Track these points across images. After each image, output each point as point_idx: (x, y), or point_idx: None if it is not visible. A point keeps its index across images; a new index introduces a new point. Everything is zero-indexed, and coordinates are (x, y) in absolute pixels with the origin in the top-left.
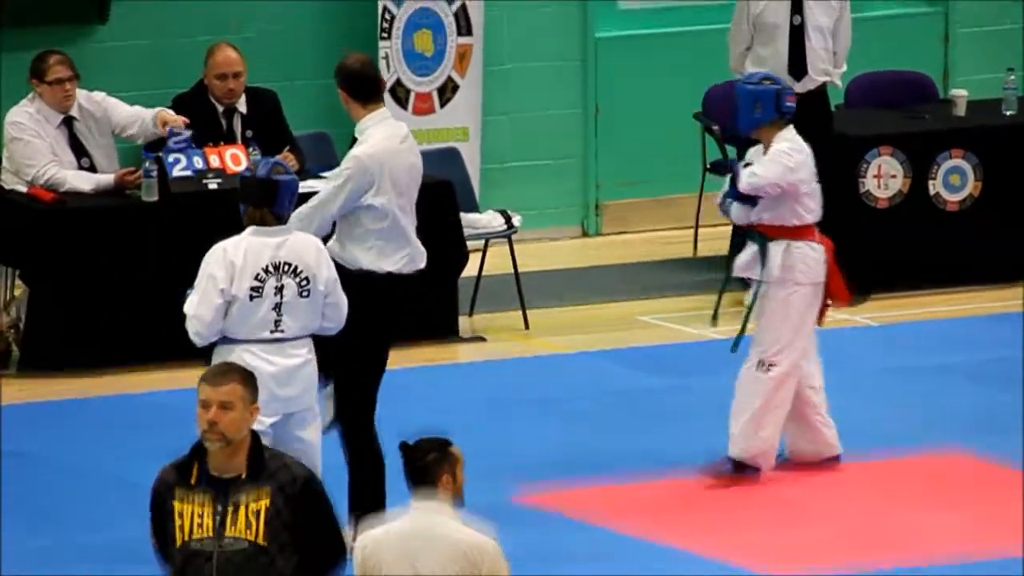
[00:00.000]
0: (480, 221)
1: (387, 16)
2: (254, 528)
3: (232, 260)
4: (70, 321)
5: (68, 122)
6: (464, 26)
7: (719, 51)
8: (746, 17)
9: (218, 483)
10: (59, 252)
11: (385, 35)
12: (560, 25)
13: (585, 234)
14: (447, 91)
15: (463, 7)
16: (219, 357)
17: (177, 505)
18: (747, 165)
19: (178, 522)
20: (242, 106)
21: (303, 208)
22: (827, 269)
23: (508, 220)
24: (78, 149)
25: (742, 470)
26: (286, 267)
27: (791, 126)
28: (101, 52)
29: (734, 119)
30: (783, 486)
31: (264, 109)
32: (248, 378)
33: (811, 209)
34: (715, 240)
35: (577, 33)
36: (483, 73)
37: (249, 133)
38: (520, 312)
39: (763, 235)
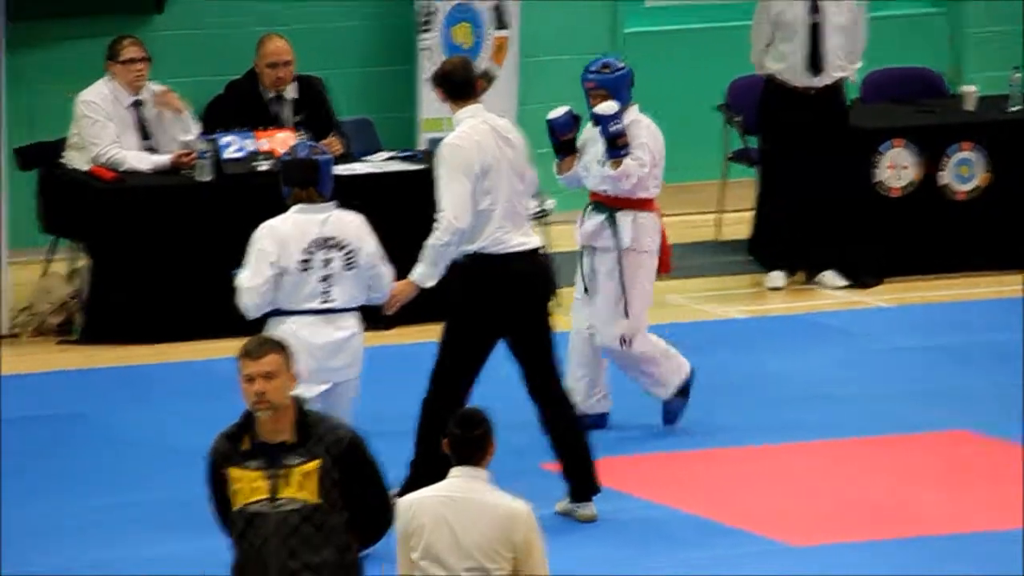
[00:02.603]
0: None
1: (429, 10)
2: (306, 488)
3: (282, 236)
4: (129, 293)
5: (137, 104)
6: (501, 20)
7: (741, 47)
8: (767, 16)
9: (269, 449)
10: (119, 228)
11: (426, 27)
12: (591, 20)
13: None
14: (485, 82)
15: (500, 2)
16: (271, 329)
17: (232, 472)
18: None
19: (234, 487)
20: (291, 93)
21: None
22: (661, 240)
23: (541, 203)
24: (143, 131)
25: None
26: (331, 241)
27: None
28: (158, 40)
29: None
30: (793, 459)
31: (311, 96)
32: (283, 347)
33: (657, 183)
34: (737, 224)
35: (606, 28)
36: (519, 64)
37: (297, 118)
38: None
39: (610, 207)
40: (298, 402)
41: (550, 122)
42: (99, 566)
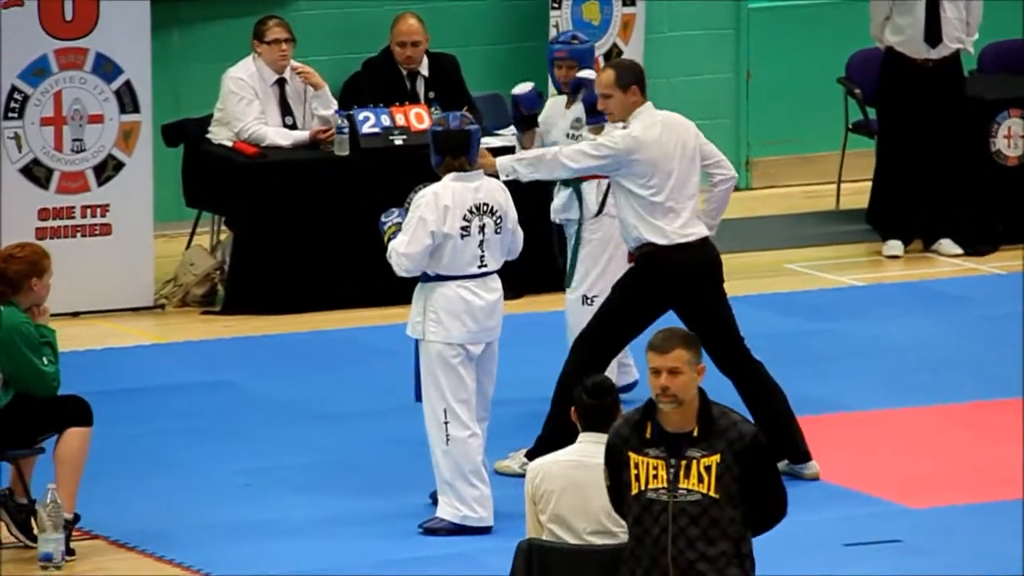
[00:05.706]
0: None
1: None
2: (706, 482)
3: (444, 204)
4: (269, 264)
5: (280, 83)
6: None
7: (861, 20)
8: None
9: (671, 439)
10: (260, 201)
11: (556, 5)
12: None
13: (736, 188)
14: (612, 57)
15: None
16: (429, 293)
17: (633, 457)
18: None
19: (634, 472)
20: (424, 69)
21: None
22: None
23: None
24: (285, 108)
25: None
26: (485, 207)
27: None
28: (297, 20)
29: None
30: (910, 423)
31: (444, 72)
32: (690, 341)
33: None
34: (856, 195)
35: (731, 3)
36: (644, 40)
37: (431, 94)
38: None
39: (575, 180)
40: (702, 395)
41: (516, 96)
42: (249, 529)
